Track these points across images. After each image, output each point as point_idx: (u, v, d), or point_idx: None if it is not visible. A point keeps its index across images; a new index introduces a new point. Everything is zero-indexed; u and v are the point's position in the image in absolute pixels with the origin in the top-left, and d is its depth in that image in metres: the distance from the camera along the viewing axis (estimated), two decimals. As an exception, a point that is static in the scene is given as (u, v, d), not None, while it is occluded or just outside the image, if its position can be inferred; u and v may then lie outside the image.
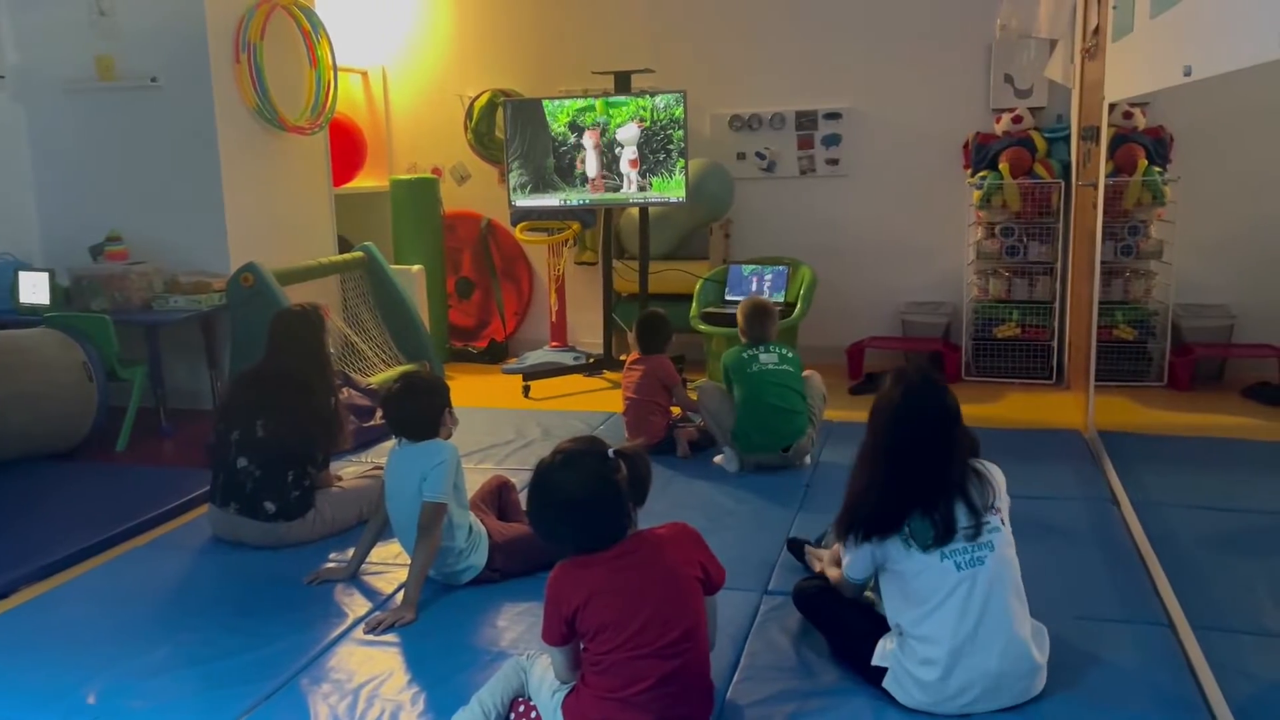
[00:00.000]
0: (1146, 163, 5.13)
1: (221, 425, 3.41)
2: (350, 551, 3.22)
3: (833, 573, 2.47)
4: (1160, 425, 4.76)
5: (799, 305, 5.42)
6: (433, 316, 6.31)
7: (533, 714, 2.23)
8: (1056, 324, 5.52)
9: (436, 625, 2.80)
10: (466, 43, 6.57)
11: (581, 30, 6.29)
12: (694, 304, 5.66)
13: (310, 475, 3.40)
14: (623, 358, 5.88)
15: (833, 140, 6.01)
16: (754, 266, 5.73)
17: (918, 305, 5.97)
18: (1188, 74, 2.65)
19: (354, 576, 3.11)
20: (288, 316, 3.55)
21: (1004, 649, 2.22)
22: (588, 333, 6.43)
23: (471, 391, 5.73)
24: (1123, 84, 3.90)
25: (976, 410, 5.04)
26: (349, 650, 2.68)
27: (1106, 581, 2.94)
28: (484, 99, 6.39)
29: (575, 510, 2.05)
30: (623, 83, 5.51)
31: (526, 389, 5.60)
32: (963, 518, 2.21)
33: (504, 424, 4.85)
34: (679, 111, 5.25)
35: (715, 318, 5.50)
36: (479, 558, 2.98)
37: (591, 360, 5.88)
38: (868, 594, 2.55)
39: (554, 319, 6.31)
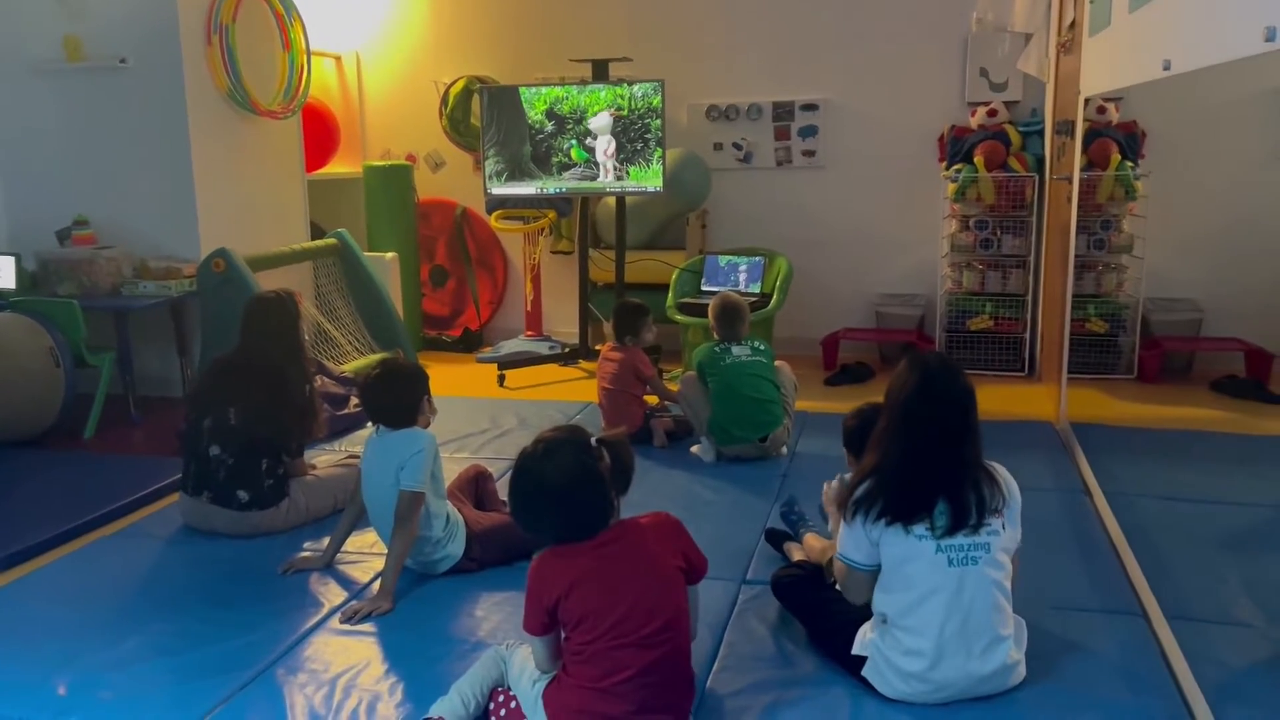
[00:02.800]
0: (1119, 157, 5.17)
1: (193, 413, 3.37)
2: (325, 541, 3.19)
3: (838, 567, 2.43)
4: (1130, 417, 4.81)
5: (775, 296, 5.42)
6: (406, 305, 6.26)
7: (512, 703, 2.22)
8: (1029, 317, 5.56)
9: (413, 615, 2.77)
10: (442, 28, 6.51)
11: (558, 17, 6.25)
12: (670, 294, 5.65)
13: (284, 464, 3.36)
14: (598, 348, 5.89)
15: (809, 132, 6.02)
16: (730, 257, 5.72)
17: (892, 297, 6.00)
18: (1167, 68, 2.67)
19: (329, 566, 3.08)
20: (261, 303, 3.51)
21: (986, 648, 2.23)
22: (563, 322, 6.40)
23: (446, 380, 5.68)
24: (1099, 78, 3.93)
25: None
26: (325, 640, 2.65)
27: (1080, 572, 2.96)
28: (459, 85, 6.33)
29: (557, 499, 2.04)
30: (600, 71, 5.48)
31: (501, 378, 5.57)
32: (972, 510, 2.21)
33: (479, 413, 4.82)
34: (657, 101, 5.23)
35: (692, 308, 5.50)
36: (456, 547, 2.96)
37: (567, 350, 5.86)
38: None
39: (529, 308, 6.28)
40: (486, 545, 2.99)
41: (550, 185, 5.50)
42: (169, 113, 5.13)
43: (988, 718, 2.23)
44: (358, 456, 3.72)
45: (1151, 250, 5.35)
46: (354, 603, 2.80)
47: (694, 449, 4.14)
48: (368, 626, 2.71)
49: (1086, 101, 4.31)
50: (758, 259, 5.66)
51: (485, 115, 5.53)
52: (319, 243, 5.88)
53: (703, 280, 5.72)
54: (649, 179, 5.35)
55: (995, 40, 5.65)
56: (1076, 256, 4.57)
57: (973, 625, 2.23)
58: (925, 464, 2.22)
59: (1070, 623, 2.62)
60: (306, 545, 3.27)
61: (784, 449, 4.10)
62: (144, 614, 2.81)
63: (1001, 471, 2.32)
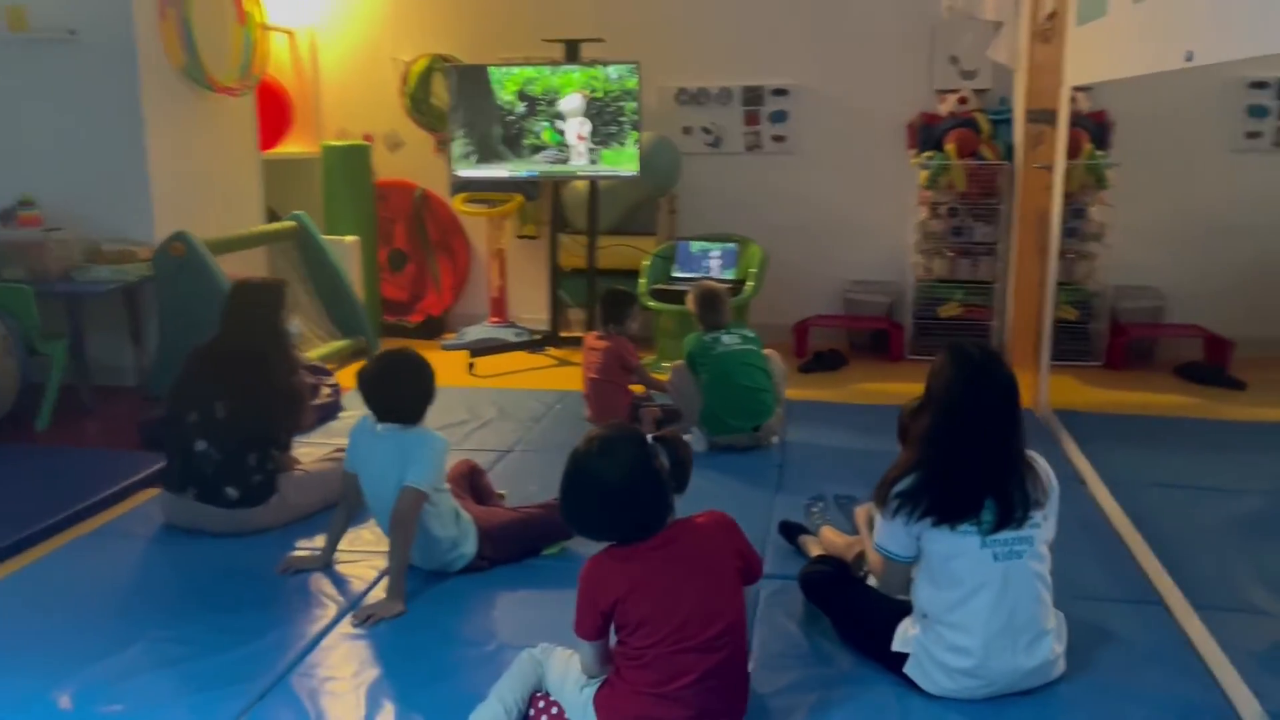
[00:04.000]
0: (1091, 147, 5.23)
1: (176, 406, 3.20)
2: (318, 539, 3.07)
3: (874, 556, 2.39)
4: (1105, 404, 4.88)
5: (749, 284, 5.38)
6: (366, 290, 6.07)
7: (554, 709, 2.14)
8: (998, 304, 5.61)
9: (428, 617, 2.67)
10: (401, 4, 6.31)
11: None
12: (642, 280, 5.57)
13: (273, 458, 3.22)
14: (563, 334, 5.80)
15: (779, 117, 5.98)
16: (702, 243, 5.66)
17: (861, 284, 6.00)
18: (1189, 60, 2.68)
19: (328, 566, 2.95)
20: (247, 289, 3.34)
21: (1031, 643, 2.22)
22: (529, 308, 6.28)
23: (411, 368, 5.52)
24: (1089, 68, 3.95)
25: (921, 389, 5.09)
26: (338, 645, 2.53)
27: (1091, 561, 2.98)
28: (421, 64, 6.15)
29: (615, 500, 1.96)
30: (572, 52, 5.36)
31: (472, 365, 5.44)
32: (1017, 505, 2.18)
33: (454, 402, 4.68)
34: (632, 83, 5.14)
35: (664, 294, 5.43)
36: (470, 546, 2.85)
37: (537, 337, 5.75)
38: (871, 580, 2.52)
39: (496, 294, 6.14)
40: (498, 543, 2.90)
41: (522, 168, 5.37)
42: (121, 88, 4.88)
43: (1034, 712, 2.22)
44: (343, 451, 3.61)
45: (1114, 238, 5.43)
46: (365, 605, 2.68)
47: (684, 439, 4.07)
48: (381, 630, 2.60)
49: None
50: (731, 245, 5.61)
51: (453, 95, 5.37)
52: (278, 225, 5.68)
53: (675, 267, 5.65)
54: (623, 163, 5.25)
55: (965, 28, 5.67)
56: (1043, 243, 4.61)
57: (1019, 620, 2.21)
58: (973, 462, 2.18)
59: (1093, 613, 2.62)
60: (299, 544, 3.13)
61: (775, 438, 4.06)
62: (140, 619, 2.65)
63: (1041, 462, 2.30)
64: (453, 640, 2.55)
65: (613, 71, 5.16)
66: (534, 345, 5.75)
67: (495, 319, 6.22)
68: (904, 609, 2.36)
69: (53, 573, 2.96)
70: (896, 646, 2.31)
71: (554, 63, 5.32)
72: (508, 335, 5.97)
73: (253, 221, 5.82)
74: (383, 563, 2.95)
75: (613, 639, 2.05)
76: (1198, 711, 2.22)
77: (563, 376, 5.32)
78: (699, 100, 6.03)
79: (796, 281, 5.97)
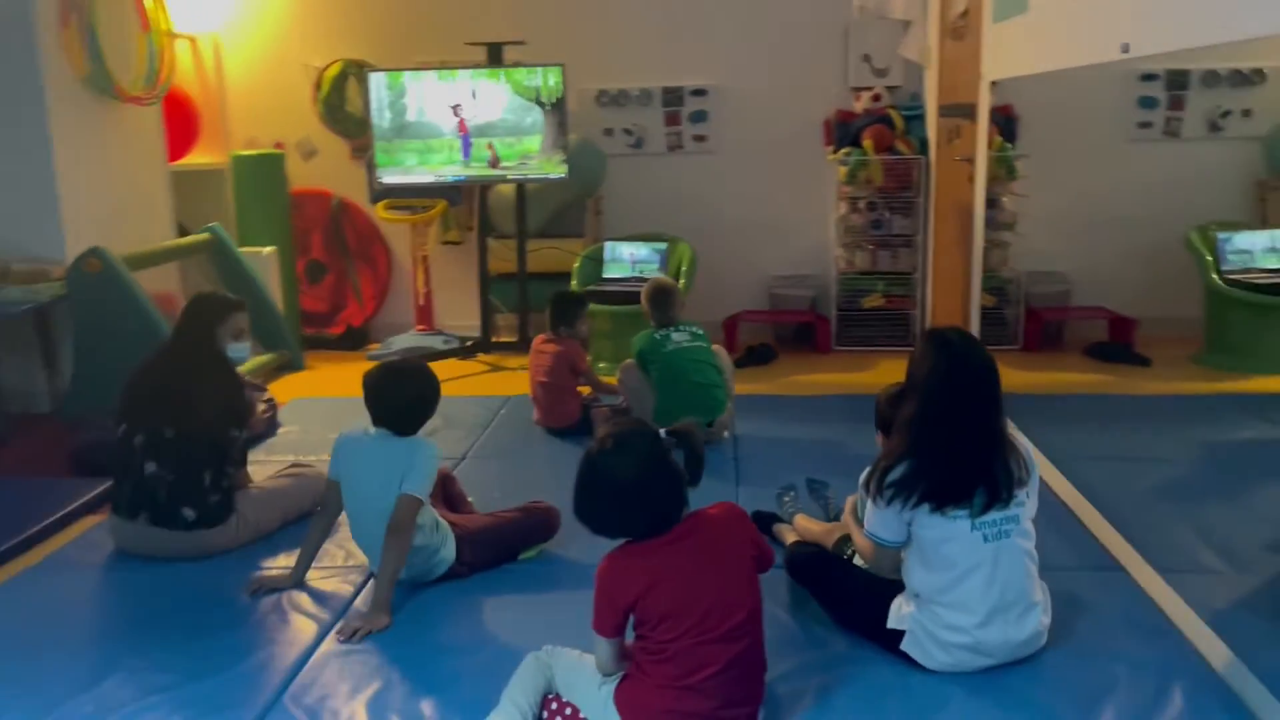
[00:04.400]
0: (1000, 139, 5.45)
1: (123, 429, 3.06)
2: (281, 558, 3.01)
3: (862, 541, 2.45)
4: (1026, 385, 5.08)
5: (681, 282, 5.42)
6: (285, 302, 5.91)
7: (567, 710, 2.14)
8: (919, 293, 5.79)
9: (416, 628, 2.62)
10: (308, 8, 6.16)
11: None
12: (574, 282, 5.57)
13: (229, 475, 3.11)
14: (495, 339, 5.76)
15: (699, 117, 6.05)
16: (632, 244, 5.69)
17: (785, 279, 6.12)
18: (1126, 51, 2.82)
19: (299, 584, 2.87)
20: (195, 304, 3.23)
21: (1022, 615, 2.31)
22: (454, 315, 6.21)
23: (338, 380, 5.41)
24: (1010, 63, 4.12)
25: (853, 379, 5.25)
26: (328, 662, 2.47)
27: (1050, 534, 3.07)
28: (335, 69, 6.02)
29: (631, 496, 1.97)
30: (495, 55, 5.32)
31: (404, 375, 5.33)
32: (1003, 487, 2.26)
33: (395, 412, 4.60)
34: (558, 86, 5.13)
35: (596, 295, 5.42)
36: (449, 552, 2.82)
37: (469, 343, 5.69)
38: (858, 560, 2.59)
39: (421, 301, 6.05)
40: (477, 550, 2.87)
41: (449, 173, 5.31)
42: (24, 99, 4.65)
43: (1028, 679, 2.31)
44: (302, 466, 3.52)
45: (1025, 226, 5.67)
46: (350, 621, 2.62)
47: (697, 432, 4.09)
48: (369, 645, 2.55)
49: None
50: (661, 245, 5.65)
51: (374, 101, 5.27)
52: (193, 239, 5.49)
53: (605, 267, 5.66)
54: (551, 167, 5.25)
55: (876, 27, 5.83)
56: (962, 234, 4.78)
57: (1009, 596, 2.30)
58: (964, 447, 2.25)
59: (1061, 582, 2.72)
60: (263, 564, 3.04)
61: (726, 432, 4.11)
62: (112, 650, 2.54)
63: (1021, 440, 2.40)
64: (446, 650, 2.52)
65: (539, 75, 5.14)
66: (466, 352, 5.69)
67: (421, 327, 6.13)
68: (895, 587, 2.43)
69: (3, 610, 2.81)
70: (892, 624, 2.38)
71: (477, 66, 5.28)
72: (436, 343, 5.89)
73: (164, 236, 5.60)
74: (356, 578, 2.90)
75: (628, 636, 2.06)
76: (1173, 666, 2.34)
77: (500, 382, 5.28)
78: (619, 102, 6.05)
79: (723, 278, 6.04)
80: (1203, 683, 2.28)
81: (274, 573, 2.93)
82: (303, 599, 2.80)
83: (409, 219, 5.88)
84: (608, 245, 5.73)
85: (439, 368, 5.48)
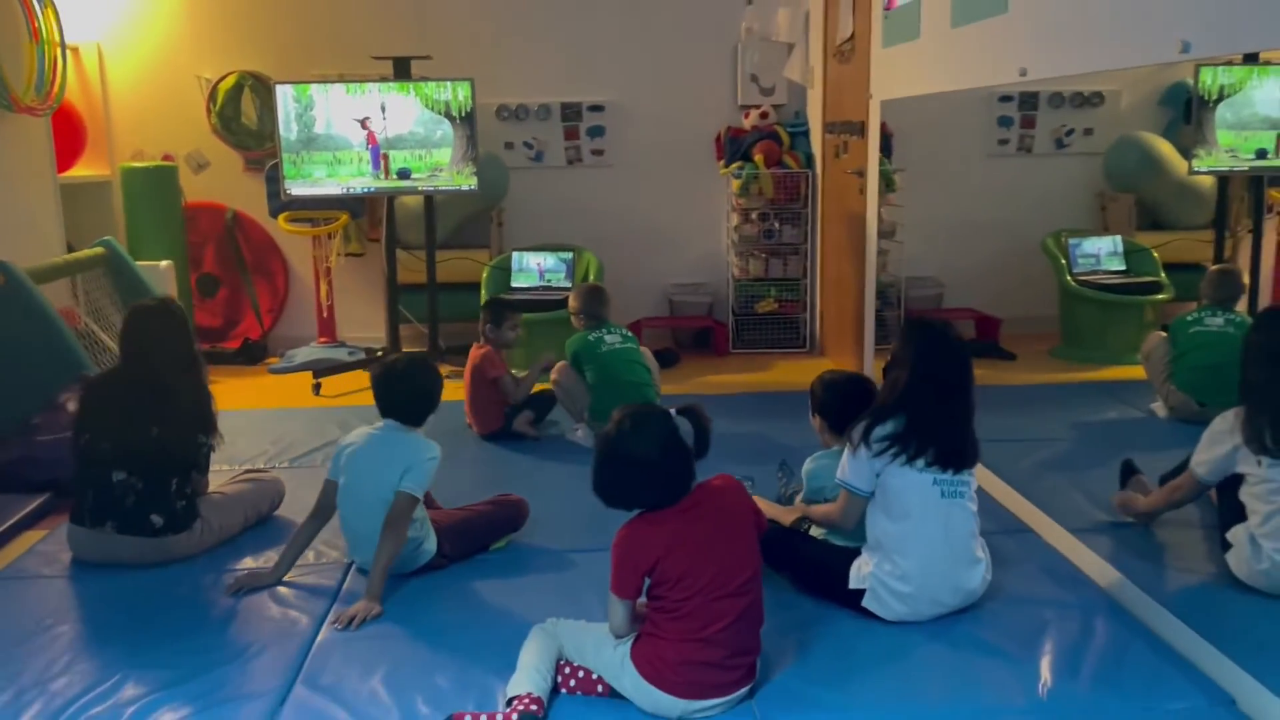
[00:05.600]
0: (881, 155, 5.88)
1: (86, 438, 3.06)
2: (246, 560, 3.12)
3: (821, 510, 2.74)
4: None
5: (589, 289, 5.63)
6: (183, 316, 5.81)
7: (580, 674, 2.32)
8: (807, 298, 6.19)
9: (409, 612, 2.75)
10: (197, 19, 6.09)
11: (331, 12, 6.06)
12: (483, 291, 5.70)
13: (194, 481, 3.15)
14: (408, 350, 5.82)
15: (597, 131, 6.29)
16: (539, 253, 5.87)
17: (682, 286, 6.42)
18: (1023, 74, 3.22)
19: (279, 581, 2.94)
20: (143, 313, 3.23)
21: (968, 568, 2.64)
22: (357, 327, 6.23)
23: (240, 394, 5.38)
24: (898, 84, 4.53)
25: (754, 378, 5.59)
26: (332, 650, 2.56)
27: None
28: (230, 81, 5.98)
29: (651, 470, 2.18)
30: (402, 69, 5.41)
31: (318, 386, 5.36)
32: (970, 451, 2.59)
33: (321, 422, 4.67)
34: (468, 100, 5.27)
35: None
36: (431, 544, 2.95)
37: (379, 353, 5.73)
38: (815, 530, 2.87)
39: (325, 314, 6.05)
40: (455, 540, 3.00)
41: (357, 185, 5.36)
42: (-86, 108, 4.48)
43: (973, 624, 2.63)
44: (255, 471, 3.57)
45: (901, 234, 6.14)
46: (344, 609, 2.72)
47: (573, 435, 4.28)
48: (366, 631, 2.65)
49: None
50: (567, 254, 5.85)
51: (280, 112, 5.27)
52: (88, 252, 5.34)
53: (513, 276, 5.82)
54: (462, 179, 5.37)
55: (762, 49, 6.21)
56: (849, 242, 5.18)
57: (958, 549, 2.63)
58: (949, 411, 2.59)
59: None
60: (230, 566, 3.09)
61: (655, 428, 4.33)
62: (109, 656, 2.55)
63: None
64: (442, 630, 2.65)
65: (447, 89, 5.27)
66: (370, 364, 5.72)
67: (324, 339, 6.13)
68: (851, 554, 2.72)
69: (-28, 621, 2.76)
70: (853, 584, 2.67)
71: (383, 79, 5.36)
72: (340, 355, 5.91)
73: (54, 250, 5.43)
74: (335, 572, 3.00)
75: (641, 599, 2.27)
76: (1092, 606, 2.72)
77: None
78: (519, 116, 6.23)
79: (623, 286, 6.25)
80: (1116, 616, 2.65)
81: (255, 571, 2.98)
82: (287, 594, 2.88)
83: (311, 231, 5.88)
84: (515, 255, 5.89)
85: (351, 379, 5.60)
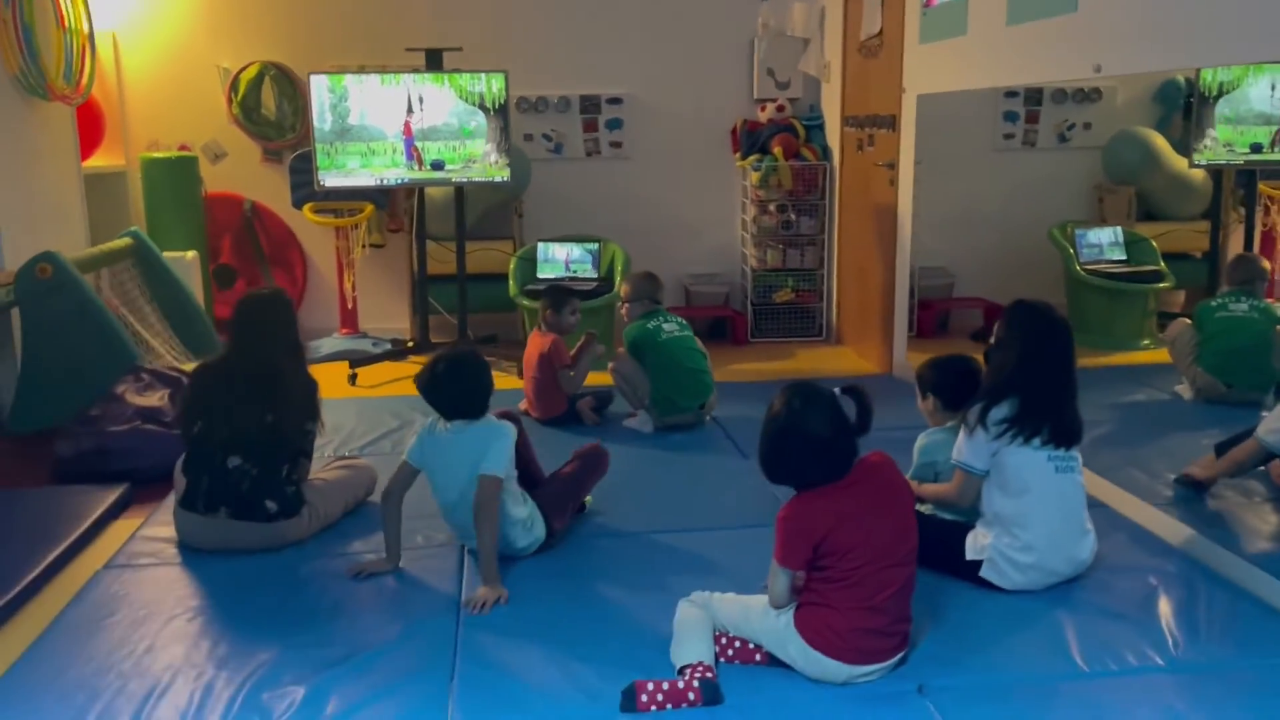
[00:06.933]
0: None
1: (201, 424, 3.07)
2: (355, 544, 3.17)
3: (934, 489, 2.88)
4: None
5: (618, 280, 5.70)
6: (205, 307, 5.77)
7: (736, 644, 2.42)
8: (824, 288, 6.33)
9: (535, 593, 2.81)
10: (213, 8, 6.03)
11: (349, 2, 6.04)
12: (511, 282, 5.75)
13: (302, 467, 3.18)
14: (435, 340, 5.83)
15: (615, 124, 6.36)
16: (565, 244, 5.93)
17: (699, 277, 6.52)
18: (1098, 70, 3.38)
19: (397, 566, 2.98)
20: (255, 302, 3.26)
21: (1080, 539, 2.79)
22: (379, 318, 6.24)
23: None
24: (938, 79, 4.68)
25: (777, 366, 5.71)
26: (476, 630, 2.61)
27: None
28: (252, 71, 5.93)
29: (822, 446, 2.27)
30: (434, 60, 5.43)
31: (354, 377, 5.36)
32: (1077, 429, 2.74)
33: (375, 411, 4.69)
34: (501, 92, 5.30)
35: (534, 294, 5.63)
36: (539, 529, 3.02)
37: (410, 344, 5.74)
38: (921, 507, 3.00)
39: (349, 305, 6.04)
40: (559, 512, 3.08)
41: (390, 176, 5.37)
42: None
43: (1089, 592, 2.78)
44: (349, 459, 3.61)
45: (915, 226, 6.31)
46: (473, 595, 2.76)
47: (628, 422, 4.36)
48: (501, 613, 2.70)
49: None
50: (593, 245, 5.91)
51: (315, 103, 5.25)
52: (118, 243, 5.29)
53: (539, 267, 5.87)
54: (493, 170, 5.40)
55: (778, 43, 6.33)
56: (871, 233, 5.33)
57: (1072, 521, 2.78)
58: (1060, 392, 2.71)
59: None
60: (338, 550, 3.13)
61: (711, 414, 4.44)
62: (258, 637, 2.58)
63: None
64: (586, 604, 2.74)
65: (481, 80, 5.29)
66: (401, 354, 5.73)
67: (346, 330, 6.12)
68: (964, 528, 2.85)
69: (96, 618, 2.71)
70: (971, 555, 2.80)
71: (415, 70, 5.37)
72: (365, 346, 5.90)
73: (80, 239, 5.37)
74: (449, 554, 3.05)
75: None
76: (1191, 572, 2.89)
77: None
78: (539, 108, 6.27)
79: (642, 277, 6.36)
80: (1214, 580, 2.83)
81: (373, 559, 3.01)
82: (412, 576, 2.93)
83: (336, 222, 5.87)
84: (540, 246, 5.93)
85: (384, 369, 5.60)
